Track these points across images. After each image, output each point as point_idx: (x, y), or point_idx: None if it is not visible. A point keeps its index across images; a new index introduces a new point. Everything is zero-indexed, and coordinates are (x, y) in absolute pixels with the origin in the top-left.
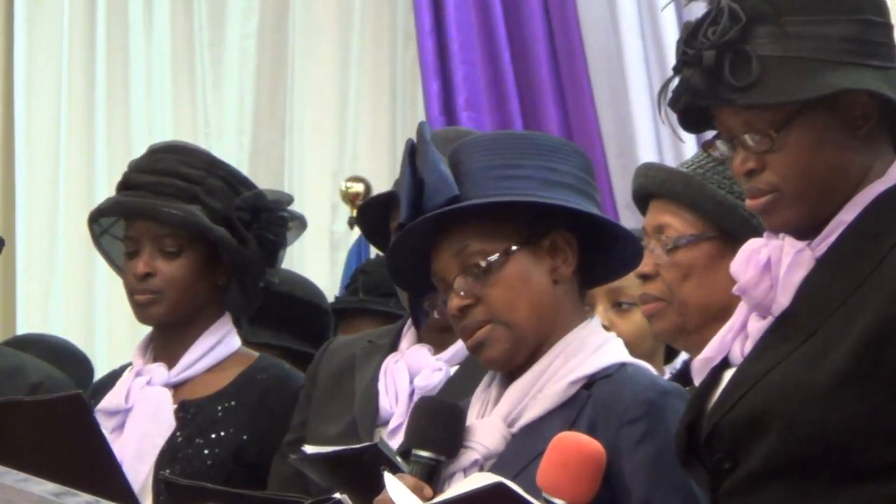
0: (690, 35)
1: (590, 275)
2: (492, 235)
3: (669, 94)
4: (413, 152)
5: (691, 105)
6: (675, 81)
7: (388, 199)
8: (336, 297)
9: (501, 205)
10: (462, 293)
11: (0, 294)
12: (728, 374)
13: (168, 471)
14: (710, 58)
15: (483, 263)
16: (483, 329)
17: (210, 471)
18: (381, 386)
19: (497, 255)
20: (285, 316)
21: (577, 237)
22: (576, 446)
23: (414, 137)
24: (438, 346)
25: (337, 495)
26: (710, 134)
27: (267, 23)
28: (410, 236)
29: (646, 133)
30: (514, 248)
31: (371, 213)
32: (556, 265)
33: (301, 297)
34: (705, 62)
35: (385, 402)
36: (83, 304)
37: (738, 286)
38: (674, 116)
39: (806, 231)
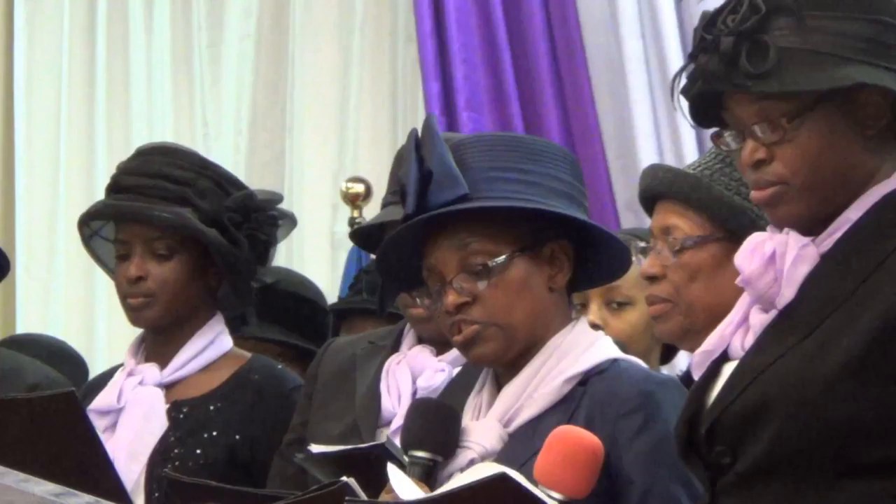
0: (709, 22)
1: (577, 280)
2: (496, 237)
3: (684, 81)
4: (418, 143)
5: (704, 93)
6: (690, 76)
7: (381, 227)
8: (339, 298)
9: (512, 209)
10: (460, 290)
11: (0, 294)
12: (728, 368)
13: (169, 468)
14: (728, 44)
15: (490, 264)
16: (475, 326)
17: (202, 471)
18: (383, 387)
19: (503, 257)
20: (294, 314)
21: (572, 246)
22: (574, 440)
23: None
24: (440, 348)
25: (344, 478)
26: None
27: (266, 23)
28: (414, 229)
29: (646, 134)
30: (518, 252)
31: (364, 235)
32: (553, 273)
33: (306, 295)
34: (723, 48)
35: (388, 402)
36: (83, 304)
37: (741, 277)
38: (684, 106)
39: (809, 227)
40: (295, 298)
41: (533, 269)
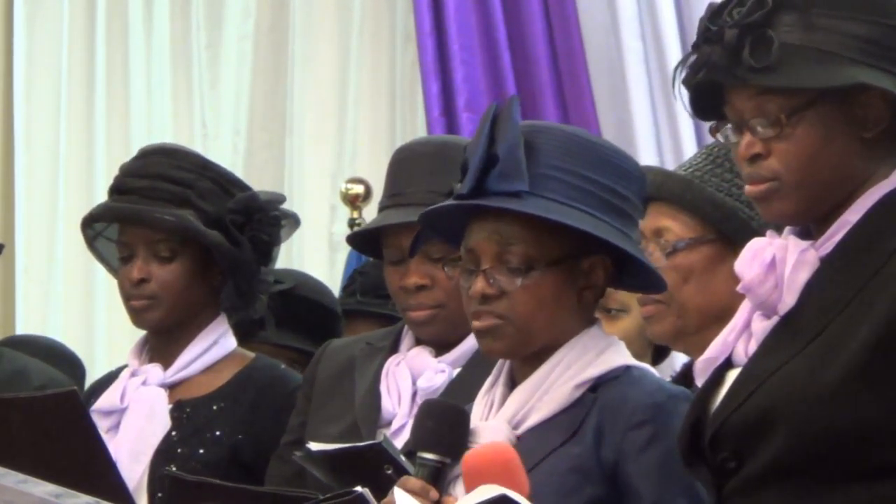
0: (715, 13)
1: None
2: (539, 242)
3: (686, 72)
4: (494, 122)
5: (705, 84)
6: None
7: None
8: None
9: (560, 223)
10: (491, 282)
11: (0, 296)
12: (732, 375)
13: (171, 468)
14: (732, 36)
15: (526, 267)
16: (495, 320)
17: (205, 470)
18: (383, 387)
19: (542, 264)
20: (309, 320)
21: (611, 262)
22: (489, 458)
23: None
24: (439, 349)
25: (359, 489)
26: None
27: (265, 24)
28: (460, 210)
29: (646, 135)
30: (558, 262)
31: (361, 238)
32: (587, 286)
33: (322, 301)
34: (726, 39)
35: (388, 403)
36: (83, 306)
37: (742, 284)
38: (685, 97)
39: (800, 224)
40: (311, 304)
41: (567, 279)
